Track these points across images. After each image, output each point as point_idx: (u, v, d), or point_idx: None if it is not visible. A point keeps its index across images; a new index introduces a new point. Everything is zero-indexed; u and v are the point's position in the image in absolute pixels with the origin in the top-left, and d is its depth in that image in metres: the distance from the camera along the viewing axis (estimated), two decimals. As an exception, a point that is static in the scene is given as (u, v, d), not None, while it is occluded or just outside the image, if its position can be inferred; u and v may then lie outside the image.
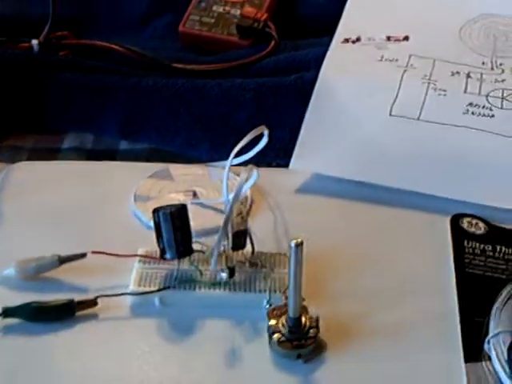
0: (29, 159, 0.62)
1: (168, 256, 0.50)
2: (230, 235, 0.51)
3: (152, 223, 0.51)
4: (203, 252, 0.52)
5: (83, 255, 0.52)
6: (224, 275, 0.51)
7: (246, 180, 0.52)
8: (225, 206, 0.54)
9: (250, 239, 0.52)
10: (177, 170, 0.61)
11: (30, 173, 0.59)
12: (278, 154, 0.60)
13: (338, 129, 0.59)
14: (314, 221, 0.55)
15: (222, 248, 0.51)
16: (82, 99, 0.65)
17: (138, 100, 0.64)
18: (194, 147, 0.64)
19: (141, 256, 0.52)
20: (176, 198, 0.58)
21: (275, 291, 0.50)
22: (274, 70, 0.67)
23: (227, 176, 0.54)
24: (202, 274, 0.51)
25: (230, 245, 0.51)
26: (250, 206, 0.57)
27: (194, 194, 0.60)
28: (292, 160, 0.59)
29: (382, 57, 0.66)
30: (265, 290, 0.50)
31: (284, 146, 0.60)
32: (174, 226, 0.50)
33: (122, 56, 0.69)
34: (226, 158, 0.54)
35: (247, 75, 0.66)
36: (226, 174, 0.54)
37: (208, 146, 0.63)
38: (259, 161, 0.55)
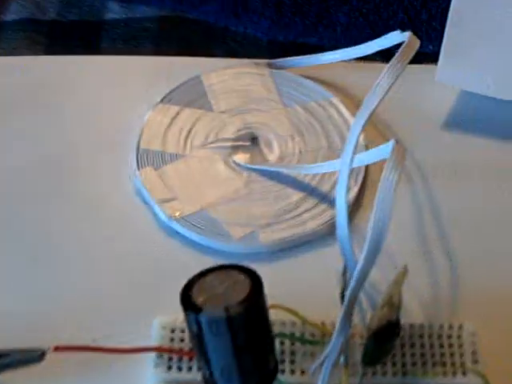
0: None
1: None
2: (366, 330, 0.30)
3: (172, 224, 0.36)
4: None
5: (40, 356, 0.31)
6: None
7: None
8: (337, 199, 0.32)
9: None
10: (212, 77, 0.41)
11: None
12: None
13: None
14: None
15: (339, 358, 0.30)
16: None
17: None
18: (242, 16, 0.43)
19: (159, 350, 0.32)
20: (214, 157, 0.39)
21: None
22: None
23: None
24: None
25: (361, 354, 0.30)
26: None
27: (254, 141, 0.40)
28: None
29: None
30: None
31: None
32: (235, 345, 0.27)
33: None
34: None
35: None
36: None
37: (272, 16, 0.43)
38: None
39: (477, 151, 0.40)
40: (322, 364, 0.30)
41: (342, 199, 0.30)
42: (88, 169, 0.39)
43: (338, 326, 0.29)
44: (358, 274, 0.28)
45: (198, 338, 0.28)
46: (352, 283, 0.29)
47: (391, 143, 0.31)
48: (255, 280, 0.28)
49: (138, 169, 0.38)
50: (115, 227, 0.37)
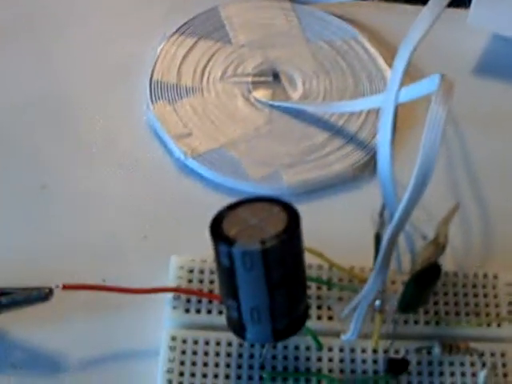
0: None
1: (249, 337, 0.26)
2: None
3: (188, 161, 0.34)
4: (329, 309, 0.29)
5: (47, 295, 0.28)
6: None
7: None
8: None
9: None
10: (231, 9, 0.39)
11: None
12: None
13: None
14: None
15: (376, 302, 0.28)
16: None
17: None
18: None
19: (177, 291, 0.29)
20: (233, 92, 0.36)
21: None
22: None
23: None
24: (321, 348, 0.28)
25: (398, 299, 0.28)
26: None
27: (275, 77, 0.37)
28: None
29: None
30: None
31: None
32: (268, 282, 0.25)
33: None
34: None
35: None
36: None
37: None
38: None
39: (510, 98, 0.38)
40: (354, 309, 0.27)
41: (386, 133, 0.27)
42: (97, 104, 0.36)
43: (376, 267, 0.27)
44: (401, 213, 0.26)
45: (228, 274, 0.25)
46: (393, 223, 0.26)
47: (437, 76, 0.29)
48: (291, 212, 0.26)
49: (152, 103, 0.35)
50: (127, 164, 0.34)
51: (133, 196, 0.33)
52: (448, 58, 0.39)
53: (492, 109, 0.38)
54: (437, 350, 0.28)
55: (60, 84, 0.37)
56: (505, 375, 0.29)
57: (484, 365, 0.28)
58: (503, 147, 0.36)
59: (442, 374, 0.29)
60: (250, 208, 0.26)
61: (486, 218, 0.34)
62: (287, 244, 0.25)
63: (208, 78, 0.36)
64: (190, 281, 0.30)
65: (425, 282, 0.27)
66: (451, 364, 0.29)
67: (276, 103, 0.36)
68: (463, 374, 0.29)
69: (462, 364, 0.29)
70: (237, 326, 0.26)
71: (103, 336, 0.30)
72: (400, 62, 0.29)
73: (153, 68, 0.36)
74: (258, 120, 0.35)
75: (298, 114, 0.36)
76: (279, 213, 0.25)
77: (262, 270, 0.24)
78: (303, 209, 0.34)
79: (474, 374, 0.28)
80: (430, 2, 0.30)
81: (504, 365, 0.29)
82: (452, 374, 0.28)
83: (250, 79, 0.36)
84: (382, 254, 0.27)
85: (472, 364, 0.29)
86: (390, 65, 0.37)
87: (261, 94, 0.36)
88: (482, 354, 0.29)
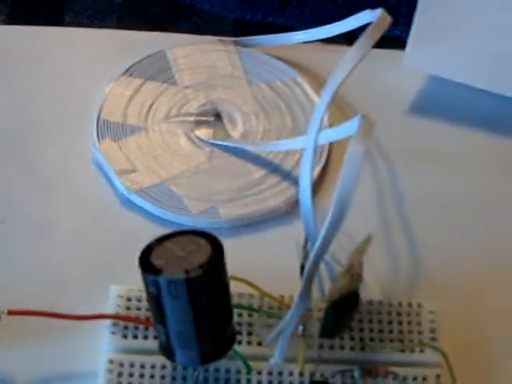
0: None
1: (179, 360, 0.28)
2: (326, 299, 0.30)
3: (131, 196, 0.36)
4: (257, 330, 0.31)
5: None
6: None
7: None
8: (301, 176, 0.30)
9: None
10: (177, 52, 0.41)
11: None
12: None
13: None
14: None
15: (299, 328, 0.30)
16: None
17: None
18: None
19: (115, 318, 0.31)
20: (176, 131, 0.38)
21: None
22: None
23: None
24: (250, 371, 0.30)
25: (319, 325, 0.30)
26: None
27: (217, 117, 0.39)
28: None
29: None
30: None
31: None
32: (193, 309, 0.26)
33: None
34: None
35: None
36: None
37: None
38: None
39: (442, 136, 0.40)
40: (279, 334, 0.29)
41: (306, 170, 0.30)
42: (48, 141, 0.38)
43: (297, 296, 0.29)
44: (319, 244, 0.28)
45: (155, 301, 0.27)
46: (313, 253, 0.28)
47: (358, 117, 0.31)
48: (215, 245, 0.27)
49: (98, 140, 0.37)
50: (73, 198, 0.36)
51: (77, 228, 0.35)
52: (384, 98, 0.41)
53: (423, 148, 0.40)
54: (356, 373, 0.30)
55: (15, 118, 0.39)
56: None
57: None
58: (433, 185, 0.38)
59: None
60: (178, 240, 0.28)
61: (412, 250, 0.36)
62: (210, 274, 0.27)
63: (153, 117, 0.38)
64: (128, 308, 0.31)
65: (344, 309, 0.29)
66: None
67: (217, 142, 0.38)
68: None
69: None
70: (166, 350, 0.28)
71: (49, 359, 0.32)
72: (322, 103, 0.31)
73: (100, 108, 0.38)
74: (200, 157, 0.37)
75: (237, 152, 0.38)
76: (205, 245, 0.27)
77: (187, 297, 0.26)
78: (239, 242, 0.36)
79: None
80: (357, 43, 0.32)
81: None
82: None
83: (192, 119, 0.38)
84: (304, 281, 0.28)
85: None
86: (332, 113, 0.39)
87: (203, 132, 0.38)
88: (404, 378, 0.31)
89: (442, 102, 0.41)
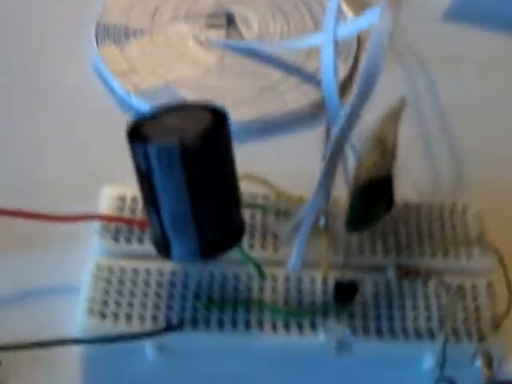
0: None
1: (176, 253, 0.23)
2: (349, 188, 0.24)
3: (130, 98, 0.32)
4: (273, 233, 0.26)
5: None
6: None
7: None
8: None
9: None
10: None
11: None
12: None
13: None
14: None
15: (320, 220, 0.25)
16: None
17: None
18: None
19: (106, 219, 0.26)
20: (185, 34, 0.34)
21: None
22: None
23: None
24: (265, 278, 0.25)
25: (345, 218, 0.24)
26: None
27: (230, 19, 0.34)
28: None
29: None
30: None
31: None
32: (190, 185, 0.22)
33: None
34: None
35: None
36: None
37: None
38: None
39: (476, 42, 0.37)
40: (297, 228, 0.25)
41: (329, 39, 0.25)
42: (46, 45, 0.35)
43: (318, 180, 0.24)
44: (344, 119, 0.23)
45: (146, 178, 0.22)
46: (337, 130, 0.24)
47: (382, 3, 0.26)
48: (218, 114, 0.23)
49: (98, 44, 0.33)
50: (70, 103, 0.33)
51: (73, 131, 0.32)
52: (419, 3, 0.38)
53: (459, 52, 0.36)
54: (391, 273, 0.25)
55: (13, 21, 0.36)
56: (476, 308, 0.26)
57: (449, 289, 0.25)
58: (470, 87, 0.34)
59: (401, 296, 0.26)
60: (176, 114, 0.24)
61: (451, 154, 0.32)
62: (209, 143, 0.22)
63: (158, 19, 0.34)
64: (122, 210, 0.27)
65: (373, 194, 0.24)
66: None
67: (229, 43, 0.33)
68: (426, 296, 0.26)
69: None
70: (161, 243, 0.24)
71: (31, 268, 0.27)
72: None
73: (101, 9, 0.34)
74: (210, 59, 0.33)
75: (253, 54, 0.33)
76: (205, 114, 0.23)
77: (182, 170, 0.22)
78: (253, 146, 0.32)
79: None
80: None
81: (475, 298, 0.26)
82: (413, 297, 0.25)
83: (203, 21, 0.34)
84: (326, 164, 0.24)
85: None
86: (353, 9, 0.36)
87: (214, 34, 0.34)
88: (448, 287, 0.26)
89: (478, 7, 0.38)
